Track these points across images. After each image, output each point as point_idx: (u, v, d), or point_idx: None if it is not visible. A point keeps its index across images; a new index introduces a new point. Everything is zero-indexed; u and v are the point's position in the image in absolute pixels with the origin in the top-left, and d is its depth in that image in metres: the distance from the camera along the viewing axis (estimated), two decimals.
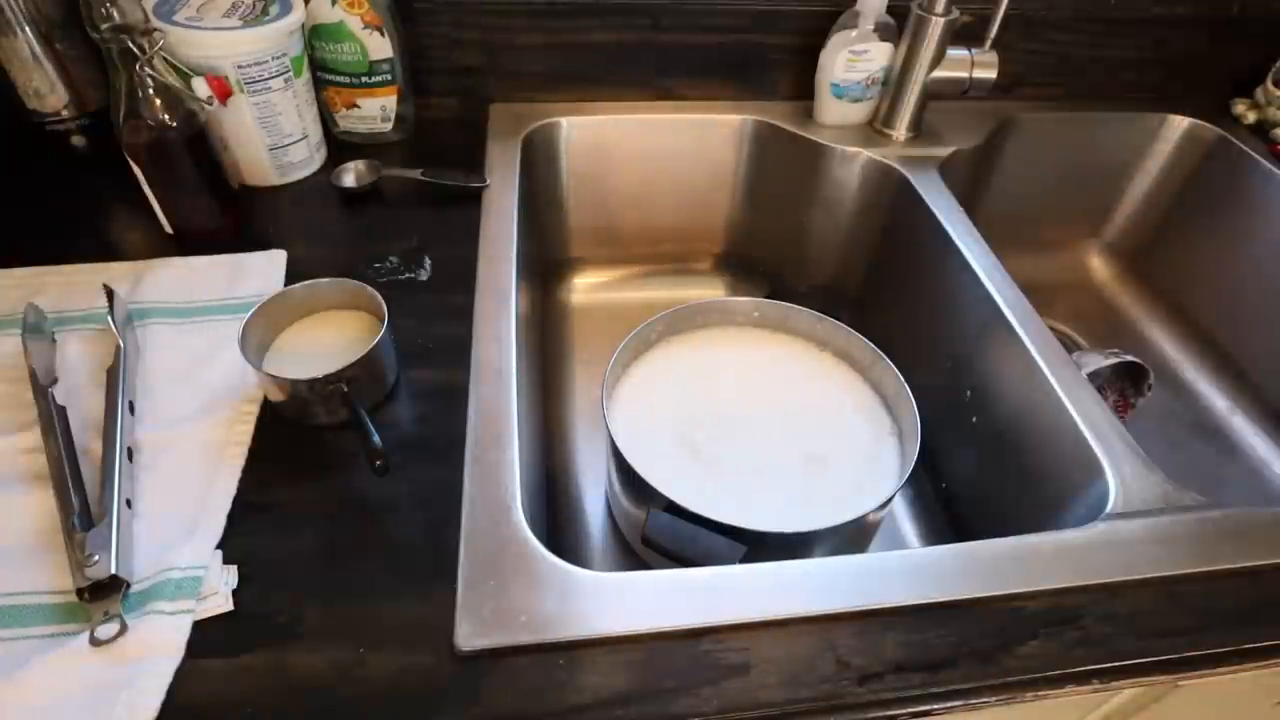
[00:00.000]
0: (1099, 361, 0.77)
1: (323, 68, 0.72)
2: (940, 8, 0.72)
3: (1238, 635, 0.44)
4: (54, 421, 0.47)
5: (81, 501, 0.44)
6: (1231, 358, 0.88)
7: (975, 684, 0.40)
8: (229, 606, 0.41)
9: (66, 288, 0.58)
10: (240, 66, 0.63)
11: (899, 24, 0.76)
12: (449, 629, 0.40)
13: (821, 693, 0.39)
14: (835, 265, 0.90)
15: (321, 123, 0.74)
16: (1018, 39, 0.84)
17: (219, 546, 0.43)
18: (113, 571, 0.40)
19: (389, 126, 0.76)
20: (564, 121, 0.81)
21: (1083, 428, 0.54)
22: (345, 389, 0.48)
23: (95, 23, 0.52)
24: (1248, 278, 0.87)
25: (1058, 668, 0.41)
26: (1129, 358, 0.78)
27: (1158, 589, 0.45)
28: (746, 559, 0.47)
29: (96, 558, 0.40)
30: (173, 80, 0.58)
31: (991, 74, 0.75)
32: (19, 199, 0.66)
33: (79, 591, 0.40)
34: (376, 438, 0.46)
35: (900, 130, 0.81)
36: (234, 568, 0.42)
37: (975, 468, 0.68)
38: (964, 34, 0.75)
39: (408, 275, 0.62)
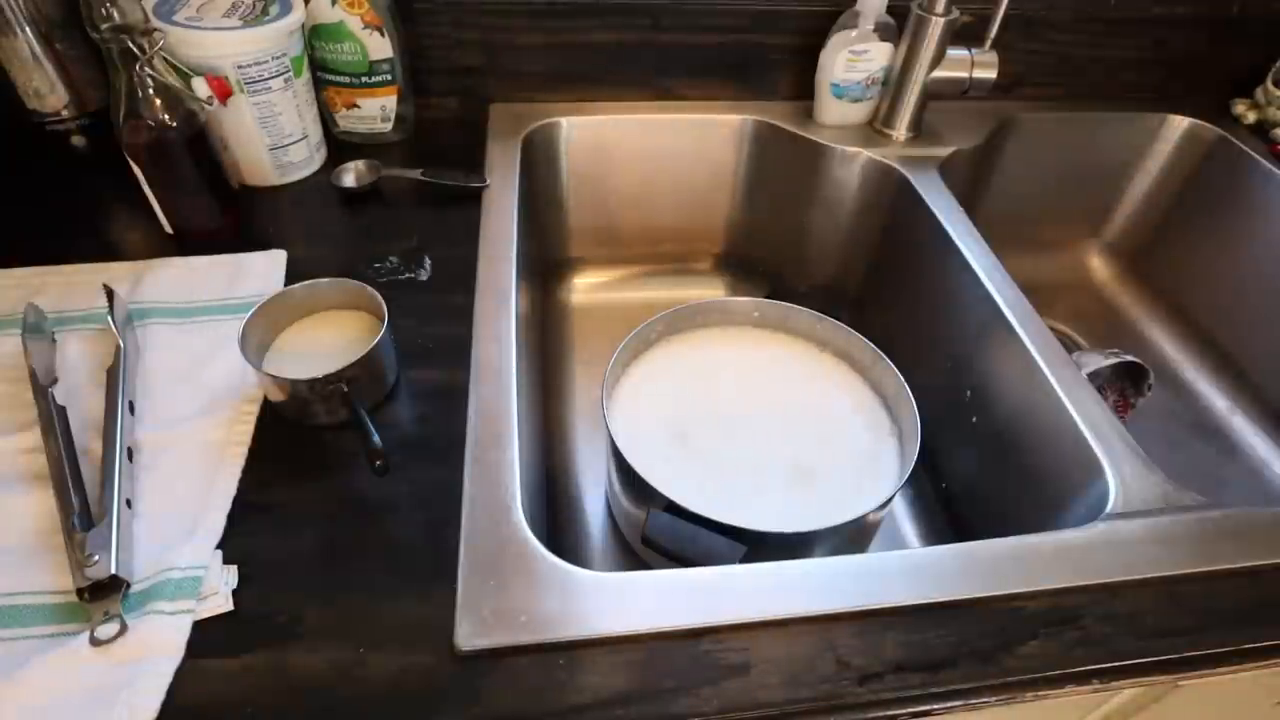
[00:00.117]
0: (1099, 361, 0.77)
1: (323, 68, 0.72)
2: (940, 8, 0.72)
3: (1238, 635, 0.44)
4: (54, 421, 0.47)
5: (81, 501, 0.44)
6: (1231, 358, 0.88)
7: (975, 684, 0.40)
8: (229, 606, 0.41)
9: (66, 288, 0.58)
10: (240, 66, 0.63)
11: (899, 24, 0.76)
12: (449, 629, 0.40)
13: (821, 693, 0.39)
14: (835, 265, 0.90)
15: (321, 123, 0.74)
16: (1018, 39, 0.84)
17: (219, 546, 0.43)
18: (113, 571, 0.40)
19: (389, 126, 0.76)
20: (564, 121, 0.81)
21: (1083, 428, 0.54)
22: (345, 389, 0.48)
23: (95, 23, 0.52)
24: (1248, 278, 0.87)
25: (1058, 668, 0.41)
26: (1129, 358, 0.78)
27: (1158, 589, 0.45)
28: (746, 559, 0.47)
29: (96, 558, 0.40)
30: (173, 80, 0.58)
31: (991, 74, 0.75)
32: (19, 199, 0.66)
33: (79, 591, 0.40)
34: (376, 438, 0.46)
35: (900, 130, 0.81)
36: (234, 568, 0.42)
37: (975, 468, 0.68)
38: (964, 34, 0.75)
39: (408, 275, 0.62)
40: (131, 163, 0.60)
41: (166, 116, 0.58)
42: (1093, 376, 0.76)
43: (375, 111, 0.75)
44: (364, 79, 0.72)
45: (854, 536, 0.58)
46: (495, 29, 0.77)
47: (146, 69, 0.55)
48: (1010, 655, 0.41)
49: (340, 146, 0.76)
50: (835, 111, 0.81)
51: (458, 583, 0.42)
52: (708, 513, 0.49)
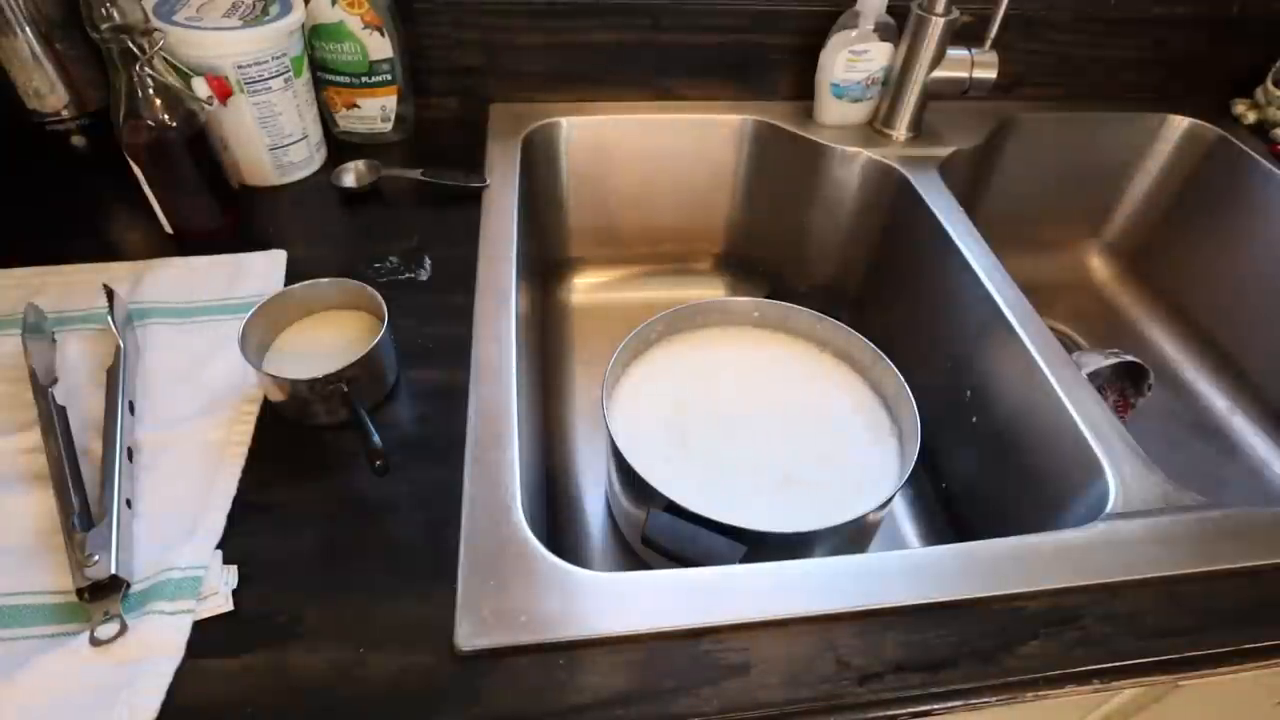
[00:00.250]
0: (1099, 361, 0.77)
1: (323, 68, 0.72)
2: (940, 8, 0.72)
3: (1238, 635, 0.44)
4: (54, 421, 0.47)
5: (81, 501, 0.44)
6: (1231, 358, 0.88)
7: (975, 684, 0.40)
8: (229, 606, 0.41)
9: (66, 288, 0.58)
10: (240, 66, 0.63)
11: (899, 24, 0.76)
12: (449, 629, 0.40)
13: (821, 693, 0.39)
14: (835, 265, 0.90)
15: (321, 123, 0.74)
16: (1018, 39, 0.84)
17: (219, 546, 0.43)
18: (113, 571, 0.40)
19: (389, 126, 0.76)
20: (564, 121, 0.81)
21: (1083, 428, 0.54)
22: (345, 389, 0.48)
23: (95, 23, 0.52)
24: (1248, 278, 0.87)
25: (1058, 668, 0.41)
26: (1129, 358, 0.78)
27: (1158, 589, 0.45)
28: (746, 559, 0.47)
29: (96, 558, 0.40)
30: (173, 80, 0.58)
31: (991, 74, 0.75)
32: (19, 199, 0.66)
33: (79, 591, 0.40)
34: (376, 438, 0.46)
35: (900, 130, 0.81)
36: (234, 568, 0.42)
37: (975, 468, 0.68)
38: (964, 34, 0.75)
39: (408, 275, 0.62)
40: (131, 163, 0.60)
41: (166, 116, 0.58)
42: (1093, 376, 0.76)
43: (375, 111, 0.75)
44: (364, 79, 0.72)
45: (854, 536, 0.58)
46: (495, 29, 0.77)
47: (146, 69, 0.55)
48: (1010, 655, 0.41)
49: (340, 146, 0.76)
50: (835, 111, 0.81)
51: (458, 583, 0.42)
52: (708, 513, 0.49)
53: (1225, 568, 0.46)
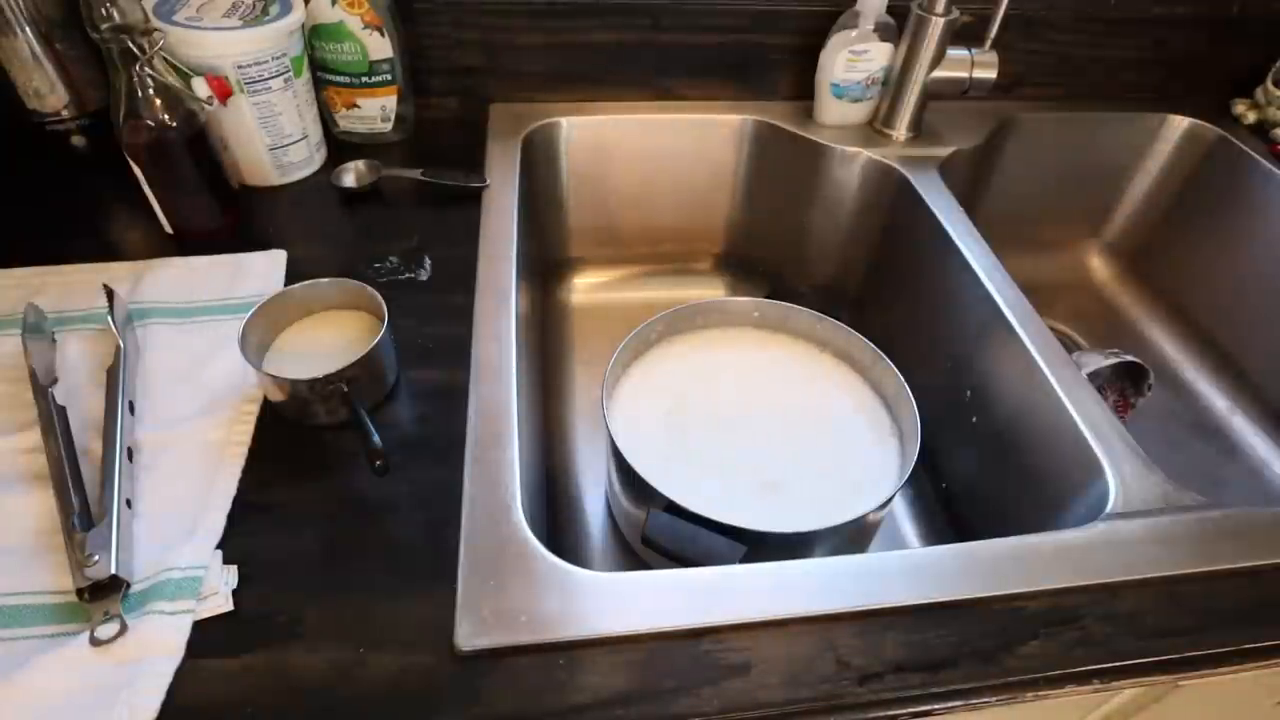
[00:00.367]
0: (1099, 361, 0.77)
1: (323, 68, 0.72)
2: (940, 8, 0.72)
3: (1238, 635, 0.44)
4: (54, 421, 0.47)
5: (81, 501, 0.44)
6: (1231, 358, 0.88)
7: (976, 684, 0.40)
8: (229, 606, 0.41)
9: (66, 288, 0.58)
10: (240, 66, 0.63)
11: (899, 24, 0.76)
12: (449, 629, 0.40)
13: (822, 693, 0.39)
14: (835, 265, 0.90)
15: (321, 123, 0.74)
16: (1018, 39, 0.84)
17: (219, 546, 0.43)
18: (113, 571, 0.40)
19: (389, 126, 0.76)
20: (564, 121, 0.81)
21: (1083, 428, 0.54)
22: (345, 389, 0.48)
23: (95, 23, 0.52)
24: (1248, 278, 0.87)
25: (1058, 668, 0.41)
26: (1129, 358, 0.78)
27: (1158, 589, 0.45)
28: (746, 559, 0.47)
29: (96, 558, 0.40)
30: (173, 80, 0.58)
31: (991, 74, 0.75)
32: (19, 199, 0.66)
33: (79, 591, 0.40)
34: (376, 438, 0.46)
35: (900, 130, 0.81)
36: (234, 568, 0.42)
37: (975, 468, 0.68)
38: (964, 34, 0.75)
39: (408, 275, 0.62)
40: (131, 163, 0.60)
41: (166, 116, 0.58)
42: (1093, 376, 0.76)
43: (375, 111, 0.75)
44: (364, 79, 0.72)
45: (854, 536, 0.58)
46: (495, 29, 0.77)
47: (146, 69, 0.55)
48: (1010, 655, 0.41)
49: (340, 146, 0.76)
50: (835, 111, 0.81)
51: (458, 583, 0.42)
52: (708, 513, 0.49)
53: (1225, 568, 0.46)
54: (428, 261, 0.63)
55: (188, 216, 0.63)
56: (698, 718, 0.38)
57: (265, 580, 0.42)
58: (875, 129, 0.83)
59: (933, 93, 0.78)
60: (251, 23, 0.63)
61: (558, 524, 0.69)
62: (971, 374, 0.68)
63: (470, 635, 0.40)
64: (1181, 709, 0.55)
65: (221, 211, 0.65)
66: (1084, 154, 0.92)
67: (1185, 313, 0.94)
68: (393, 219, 0.68)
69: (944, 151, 0.80)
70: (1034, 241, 0.98)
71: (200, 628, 0.40)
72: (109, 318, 0.52)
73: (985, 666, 0.41)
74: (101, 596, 0.40)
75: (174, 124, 0.58)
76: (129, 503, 0.44)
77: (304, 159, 0.71)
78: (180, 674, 0.38)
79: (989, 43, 0.74)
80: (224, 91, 0.63)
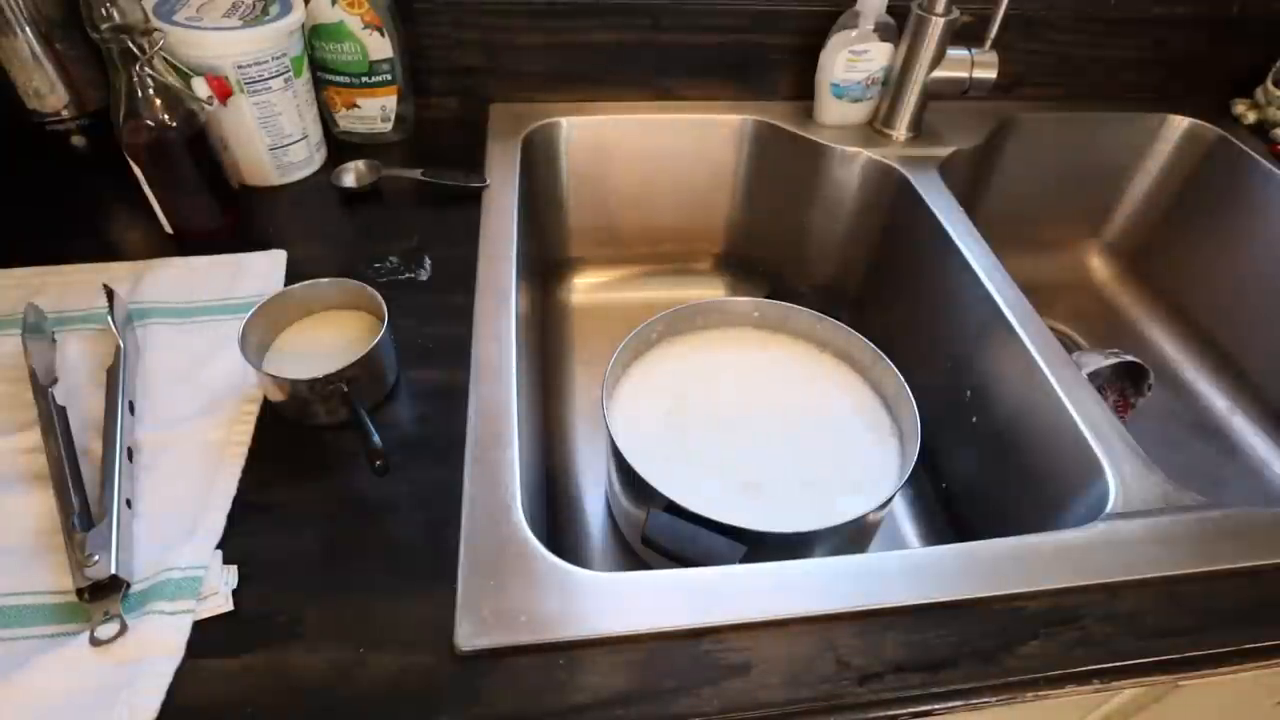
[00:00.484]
0: (1099, 361, 0.77)
1: (323, 68, 0.72)
2: (940, 8, 0.72)
3: (1238, 635, 0.44)
4: (54, 421, 0.47)
5: (81, 501, 0.44)
6: (1231, 358, 0.88)
7: (976, 684, 0.40)
8: (229, 606, 0.41)
9: (66, 288, 0.58)
10: (240, 66, 0.63)
11: (899, 24, 0.76)
12: (449, 629, 0.40)
13: (822, 693, 0.39)
14: (835, 265, 0.90)
15: (321, 123, 0.74)
16: (1018, 39, 0.84)
17: (219, 546, 0.43)
18: (113, 571, 0.40)
19: (389, 126, 0.76)
20: (564, 121, 0.81)
21: (1083, 428, 0.54)
22: (345, 389, 0.48)
23: (95, 23, 0.52)
24: (1248, 278, 0.87)
25: (1058, 668, 0.41)
26: (1129, 358, 0.78)
27: (1158, 589, 0.45)
28: (746, 559, 0.47)
29: (96, 558, 0.40)
30: (173, 80, 0.58)
31: (991, 74, 0.75)
32: (19, 199, 0.66)
33: (79, 591, 0.40)
34: (376, 438, 0.46)
35: (900, 130, 0.81)
36: (234, 568, 0.42)
37: (975, 468, 0.68)
38: (964, 34, 0.75)
39: (408, 275, 0.62)
40: (131, 163, 0.60)
41: (166, 116, 0.58)
42: (1093, 376, 0.76)
43: (375, 111, 0.75)
44: (364, 79, 0.72)
45: (854, 536, 0.58)
46: (495, 29, 0.77)
47: (146, 69, 0.55)
48: (1011, 655, 0.41)
49: (340, 146, 0.76)
50: (835, 111, 0.81)
51: (458, 583, 0.42)
52: (708, 513, 0.49)
53: (1225, 568, 0.46)
54: (428, 261, 0.63)
55: (188, 216, 0.63)
56: (698, 718, 0.38)
57: (265, 580, 0.42)
58: (875, 129, 0.83)
59: (933, 93, 0.78)
60: (251, 23, 0.63)
61: (558, 524, 0.69)
62: (971, 374, 0.68)
63: (470, 635, 0.40)
64: (1181, 709, 0.55)
65: (221, 211, 0.65)
66: (1084, 154, 0.92)
67: (1185, 313, 0.94)
68: (393, 219, 0.68)
69: (944, 151, 0.80)
70: (1034, 241, 0.98)
71: (200, 628, 0.40)
72: (109, 318, 0.52)
73: (985, 666, 0.41)
74: (101, 596, 0.40)
75: (174, 124, 0.58)
76: (129, 503, 0.44)
77: (304, 159, 0.71)
78: (180, 674, 0.38)
79: (989, 43, 0.74)
80: (224, 91, 0.63)
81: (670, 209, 0.90)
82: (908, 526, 0.73)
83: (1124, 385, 0.81)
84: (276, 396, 0.50)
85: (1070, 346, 0.93)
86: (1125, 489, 0.50)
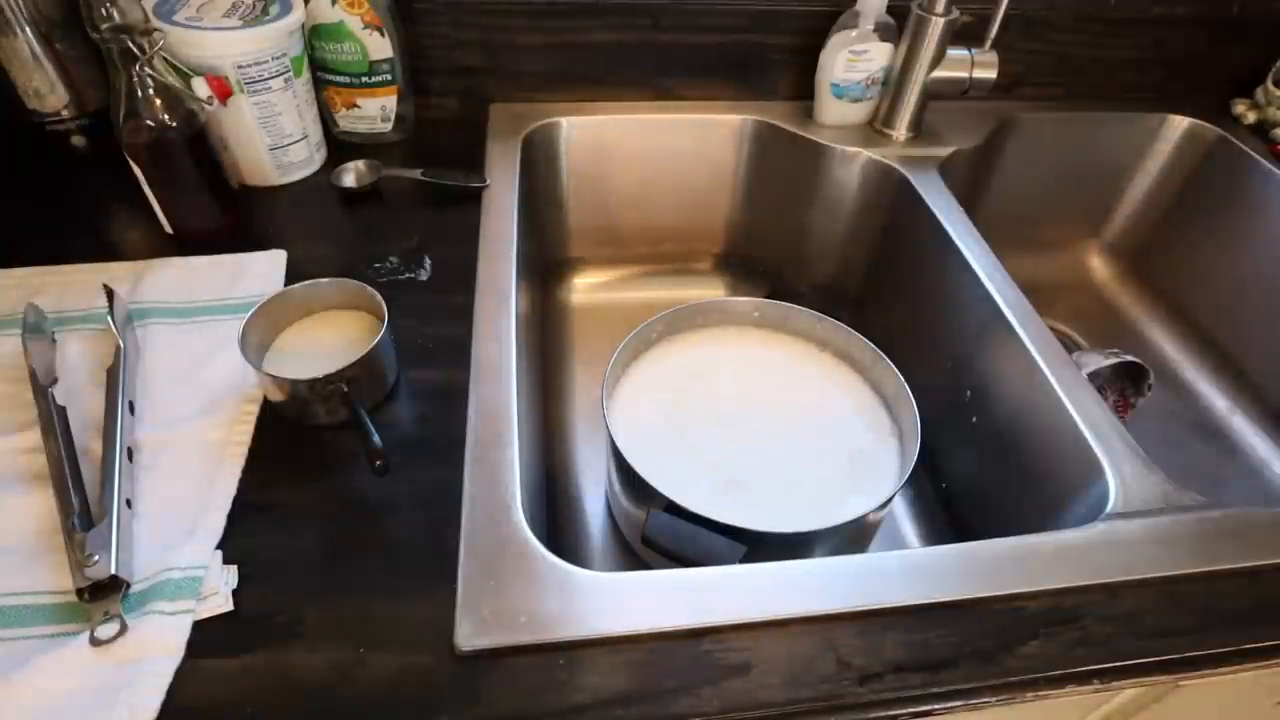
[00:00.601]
0: (1099, 361, 0.77)
1: (323, 68, 0.72)
2: (940, 8, 0.72)
3: (1238, 635, 0.44)
4: (54, 421, 0.47)
5: (81, 501, 0.44)
6: (1231, 358, 0.88)
7: (976, 684, 0.40)
8: (229, 606, 0.41)
9: (66, 288, 0.58)
10: (240, 66, 0.63)
11: (899, 24, 0.76)
12: (449, 629, 0.40)
13: (822, 693, 0.39)
14: (835, 265, 0.90)
15: (321, 123, 0.74)
16: (1018, 39, 0.84)
17: (219, 546, 0.43)
18: (113, 571, 0.40)
19: (389, 126, 0.76)
20: (564, 121, 0.81)
21: (1083, 428, 0.54)
22: (345, 389, 0.48)
23: (95, 23, 0.52)
24: (1248, 278, 0.87)
25: (1058, 668, 0.41)
26: (1129, 358, 0.78)
27: (1158, 589, 0.45)
28: (746, 559, 0.47)
29: (96, 558, 0.40)
30: (173, 80, 0.58)
31: (991, 74, 0.75)
32: (19, 199, 0.66)
33: (79, 591, 0.40)
34: (376, 438, 0.46)
35: (900, 130, 0.81)
36: (234, 568, 0.42)
37: (975, 468, 0.68)
38: (964, 34, 0.75)
39: (408, 275, 0.62)
40: (131, 163, 0.60)
41: (166, 116, 0.58)
42: (1093, 376, 0.76)
43: (375, 111, 0.75)
44: (364, 79, 0.72)
45: (854, 536, 0.58)
46: (495, 29, 0.77)
47: (146, 69, 0.55)
48: (1011, 655, 0.41)
49: (340, 146, 0.76)
50: (835, 111, 0.81)
51: (458, 583, 0.42)
52: (708, 513, 0.49)
53: (1225, 568, 0.46)
54: (428, 261, 0.63)
55: (187, 216, 0.63)
56: (698, 718, 0.38)
57: (265, 580, 0.42)
58: (875, 129, 0.83)
59: (933, 93, 0.78)
60: (251, 23, 0.63)
61: (558, 524, 0.69)
62: (971, 374, 0.68)
63: (470, 635, 0.40)
64: (1181, 709, 0.55)
65: (221, 211, 0.65)
66: (1084, 154, 0.92)
67: (1185, 313, 0.94)
68: (393, 219, 0.68)
69: (944, 151, 0.80)
70: (1034, 241, 0.98)
71: (200, 628, 0.40)
72: (109, 318, 0.52)
73: (985, 666, 0.41)
74: (101, 596, 0.40)
75: (174, 124, 0.58)
76: (129, 503, 0.44)
77: (304, 159, 0.71)
78: (180, 674, 0.38)
79: (989, 43, 0.74)
80: (224, 91, 0.63)
81: (670, 209, 0.90)
82: (908, 526, 0.73)
83: (1124, 385, 0.81)
84: (276, 396, 0.50)
85: (1070, 346, 0.93)
86: (1125, 489, 0.50)
